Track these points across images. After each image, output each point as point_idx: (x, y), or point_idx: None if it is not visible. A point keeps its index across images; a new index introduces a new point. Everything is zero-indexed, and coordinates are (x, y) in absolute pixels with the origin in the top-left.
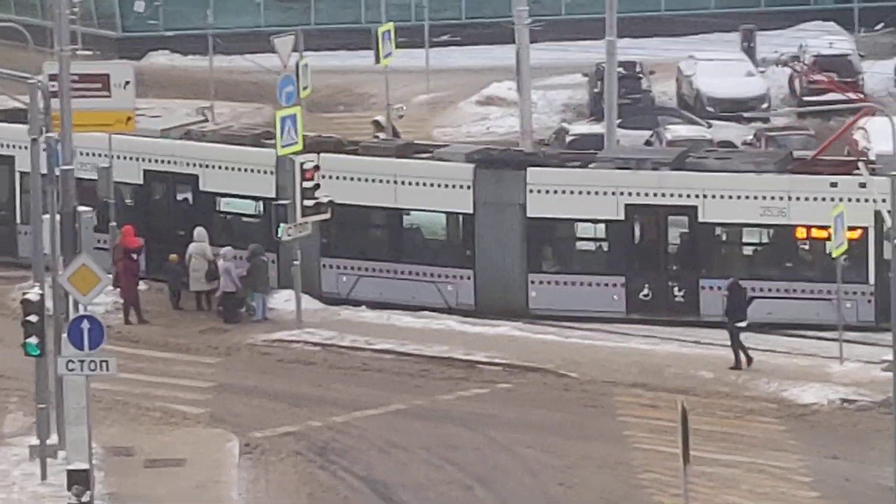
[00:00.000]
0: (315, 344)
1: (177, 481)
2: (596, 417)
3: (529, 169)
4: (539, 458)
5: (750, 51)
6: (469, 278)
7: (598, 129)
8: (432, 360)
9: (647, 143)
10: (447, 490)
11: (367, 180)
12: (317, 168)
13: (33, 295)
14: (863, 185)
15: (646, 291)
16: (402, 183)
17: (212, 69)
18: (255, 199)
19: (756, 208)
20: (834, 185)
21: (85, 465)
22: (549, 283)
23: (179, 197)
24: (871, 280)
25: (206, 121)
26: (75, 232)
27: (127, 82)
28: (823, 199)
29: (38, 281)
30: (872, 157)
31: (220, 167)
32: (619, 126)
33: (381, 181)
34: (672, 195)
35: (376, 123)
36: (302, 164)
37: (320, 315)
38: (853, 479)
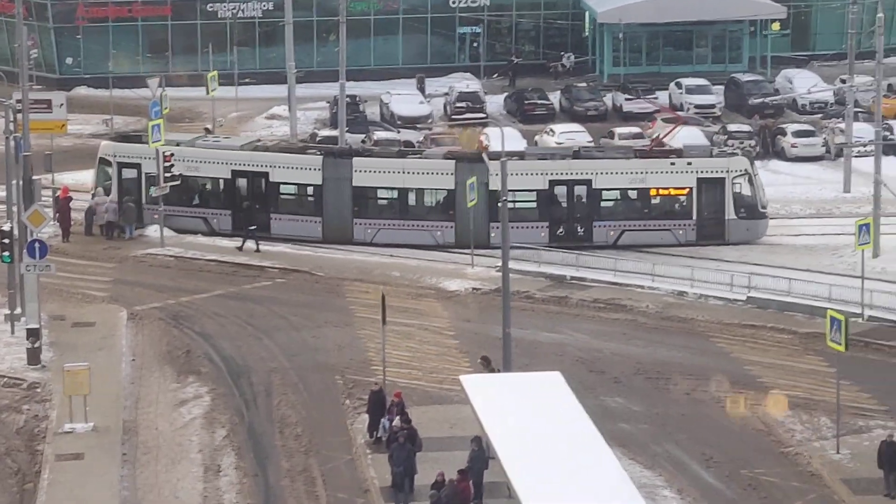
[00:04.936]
0: (171, 256)
1: (91, 334)
2: (333, 298)
3: (489, 161)
4: (300, 322)
5: (422, 89)
6: (451, 227)
7: (335, 133)
8: (239, 265)
9: (363, 142)
10: (248, 339)
11: (382, 172)
12: (172, 155)
13: (6, 226)
14: (690, 163)
15: (561, 229)
16: (407, 172)
17: (111, 97)
18: (307, 185)
19: (625, 178)
20: (673, 164)
21: (36, 326)
22: None
23: (256, 184)
24: (694, 217)
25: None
26: (32, 191)
27: (62, 104)
28: (665, 172)
29: (9, 219)
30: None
31: (280, 166)
32: (347, 132)
33: (392, 171)
34: (576, 173)
35: (206, 129)
36: (164, 153)
37: (175, 240)
38: (478, 333)
